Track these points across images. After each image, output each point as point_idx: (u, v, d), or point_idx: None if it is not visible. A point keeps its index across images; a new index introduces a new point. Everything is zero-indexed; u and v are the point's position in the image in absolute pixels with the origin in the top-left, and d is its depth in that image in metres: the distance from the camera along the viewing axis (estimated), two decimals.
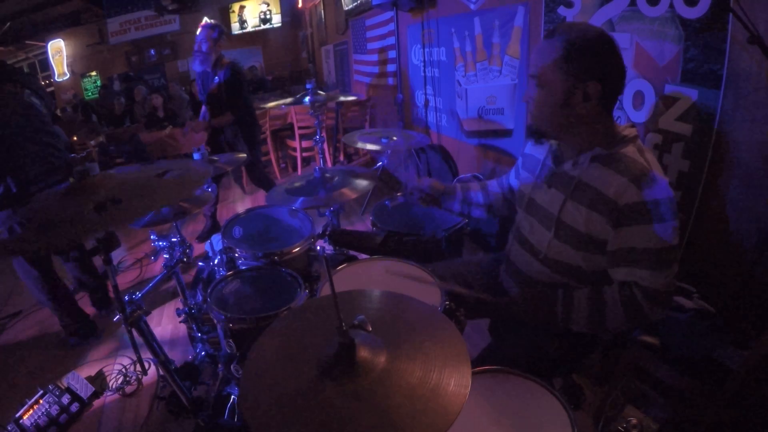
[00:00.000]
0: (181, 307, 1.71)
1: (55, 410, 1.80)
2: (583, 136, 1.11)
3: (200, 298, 1.79)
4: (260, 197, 4.12)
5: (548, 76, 1.07)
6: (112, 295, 2.21)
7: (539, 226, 1.23)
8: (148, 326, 1.23)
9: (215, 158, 1.99)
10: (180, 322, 1.82)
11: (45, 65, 7.75)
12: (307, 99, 1.99)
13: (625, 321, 1.08)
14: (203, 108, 3.19)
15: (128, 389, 2.01)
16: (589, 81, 1.03)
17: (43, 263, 2.24)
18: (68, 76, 7.66)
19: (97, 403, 1.95)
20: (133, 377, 2.06)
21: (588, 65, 1.03)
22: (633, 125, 1.11)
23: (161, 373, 1.29)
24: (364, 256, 1.63)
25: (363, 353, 0.72)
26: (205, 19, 3.48)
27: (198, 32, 2.98)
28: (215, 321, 1.36)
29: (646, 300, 1.04)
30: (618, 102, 1.77)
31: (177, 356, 2.13)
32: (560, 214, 1.15)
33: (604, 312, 1.09)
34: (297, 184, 1.82)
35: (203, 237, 3.45)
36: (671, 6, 1.49)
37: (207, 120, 3.12)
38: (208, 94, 3.07)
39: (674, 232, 1.02)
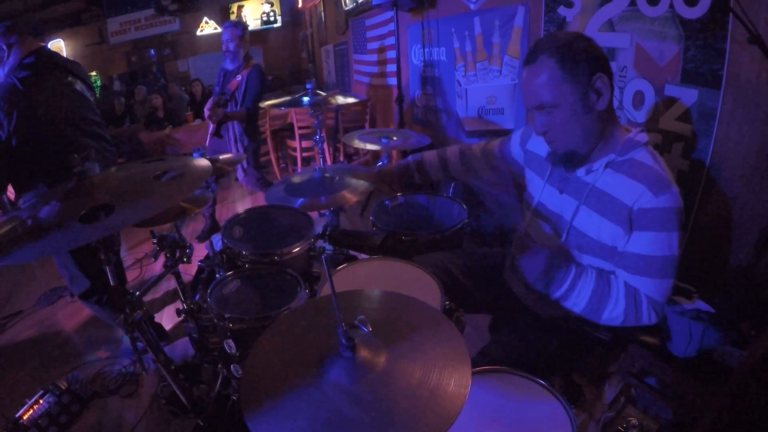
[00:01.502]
0: (181, 307, 1.71)
1: (55, 410, 1.80)
2: (603, 137, 1.09)
3: (200, 297, 1.79)
4: (260, 197, 4.11)
5: (556, 96, 1.04)
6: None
7: (549, 231, 1.22)
8: (148, 326, 1.22)
9: (215, 158, 1.98)
10: (180, 322, 1.82)
11: None
12: (306, 99, 1.99)
13: (622, 317, 1.06)
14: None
15: (128, 389, 2.01)
16: (593, 75, 1.02)
17: (98, 274, 2.07)
18: None
19: (97, 403, 1.95)
20: (133, 377, 2.06)
21: (584, 64, 1.02)
22: (642, 129, 1.10)
23: (161, 373, 1.29)
24: (364, 256, 1.63)
25: (363, 353, 0.72)
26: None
27: (222, 33, 3.08)
28: (215, 321, 1.35)
29: (648, 305, 1.05)
30: (618, 102, 1.78)
31: (177, 356, 2.13)
32: (573, 220, 1.14)
33: (607, 298, 1.07)
34: (297, 182, 1.81)
35: (203, 237, 3.46)
36: (671, 6, 1.49)
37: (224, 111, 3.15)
38: (228, 91, 3.11)
39: (678, 243, 1.02)
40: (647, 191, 1.00)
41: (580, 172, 1.13)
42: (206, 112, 3.20)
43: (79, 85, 1.98)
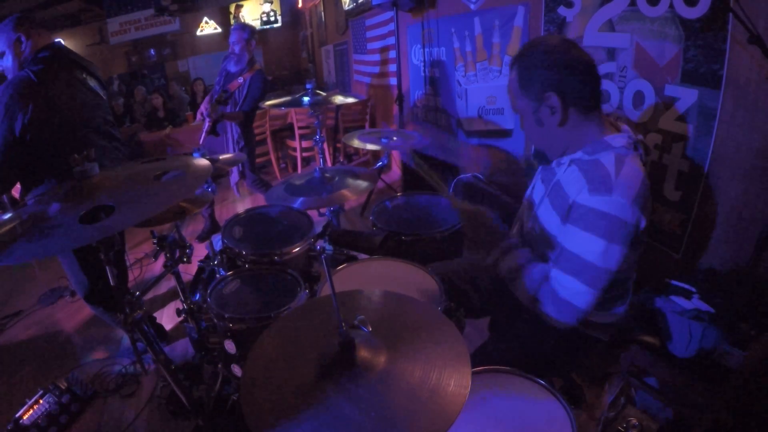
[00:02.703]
0: (181, 307, 1.71)
1: (55, 410, 1.80)
2: (570, 141, 1.12)
3: (200, 297, 1.79)
4: (260, 197, 4.12)
5: (517, 104, 1.13)
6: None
7: (527, 217, 1.26)
8: (148, 326, 1.22)
9: (215, 158, 1.98)
10: (180, 322, 1.82)
11: None
12: (306, 99, 1.99)
13: (529, 301, 1.09)
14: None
15: (128, 389, 2.01)
16: (546, 94, 1.04)
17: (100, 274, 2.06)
18: None
19: (97, 403, 1.95)
20: (133, 377, 2.06)
21: (538, 82, 1.05)
22: (630, 136, 1.08)
23: (161, 373, 1.29)
24: (364, 256, 1.63)
25: (363, 353, 0.73)
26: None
27: (230, 35, 3.09)
28: (215, 321, 1.36)
29: (553, 303, 1.04)
30: (618, 102, 1.78)
31: (177, 356, 2.13)
32: (537, 209, 1.18)
33: (521, 279, 1.11)
34: (297, 182, 1.82)
35: (203, 237, 3.46)
36: (671, 6, 1.49)
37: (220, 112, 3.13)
38: (228, 91, 3.10)
39: (615, 257, 0.97)
40: (585, 186, 1.00)
41: (554, 163, 1.18)
42: (202, 108, 3.19)
43: (92, 82, 1.91)
